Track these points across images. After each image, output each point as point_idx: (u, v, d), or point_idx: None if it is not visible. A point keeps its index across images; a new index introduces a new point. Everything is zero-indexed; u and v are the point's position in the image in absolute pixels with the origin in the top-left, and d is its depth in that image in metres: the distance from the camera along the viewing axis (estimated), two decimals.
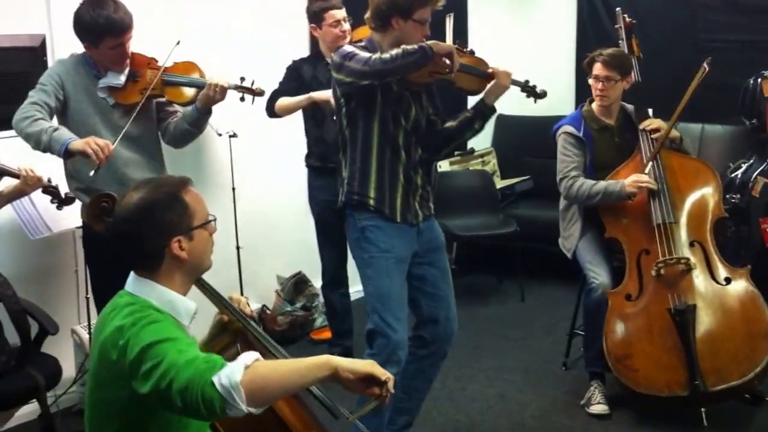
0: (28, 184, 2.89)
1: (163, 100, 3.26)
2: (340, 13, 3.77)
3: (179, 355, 1.67)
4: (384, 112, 2.84)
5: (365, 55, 2.71)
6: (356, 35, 3.72)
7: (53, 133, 2.92)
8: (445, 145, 3.14)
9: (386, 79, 2.76)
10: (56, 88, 3.05)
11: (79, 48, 3.15)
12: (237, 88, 3.20)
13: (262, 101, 3.60)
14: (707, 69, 3.40)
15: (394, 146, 2.88)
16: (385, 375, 1.80)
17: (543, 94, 3.15)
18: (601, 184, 3.55)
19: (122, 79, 3.11)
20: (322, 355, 1.74)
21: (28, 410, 3.40)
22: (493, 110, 3.01)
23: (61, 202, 2.96)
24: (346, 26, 3.78)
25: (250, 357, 1.66)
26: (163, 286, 1.86)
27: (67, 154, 2.91)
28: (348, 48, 2.79)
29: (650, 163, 3.53)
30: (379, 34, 2.86)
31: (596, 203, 3.59)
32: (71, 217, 3.40)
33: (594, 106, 3.74)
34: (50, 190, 2.93)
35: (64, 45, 3.35)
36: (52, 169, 3.13)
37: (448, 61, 2.75)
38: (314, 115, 3.91)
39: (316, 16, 3.80)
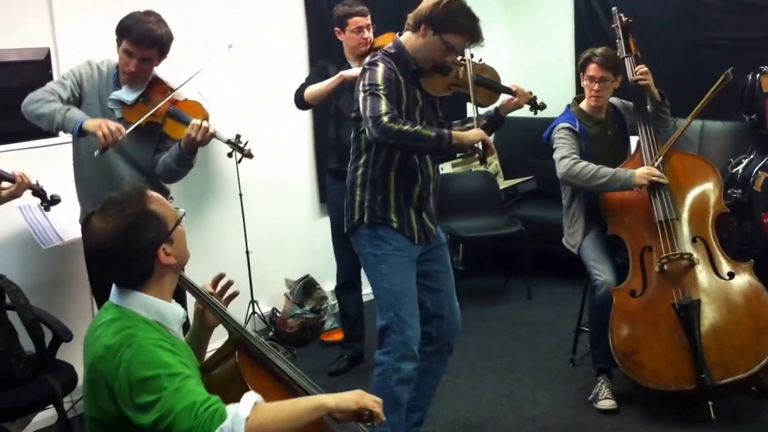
0: (20, 188, 2.95)
1: (164, 132, 3.22)
2: (364, 21, 3.82)
3: (177, 397, 1.70)
4: None
5: (380, 107, 2.65)
6: (378, 42, 3.78)
7: (66, 113, 2.98)
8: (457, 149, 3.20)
9: (383, 147, 2.79)
10: (74, 84, 3.11)
11: (79, 61, 3.21)
12: (225, 141, 3.17)
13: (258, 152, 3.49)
14: (731, 77, 3.47)
15: (413, 169, 2.90)
16: (374, 407, 1.91)
17: (543, 106, 3.32)
18: (609, 169, 3.56)
19: (133, 96, 3.13)
20: (314, 397, 1.90)
21: (46, 416, 3.45)
22: (503, 120, 3.17)
23: (49, 203, 3.01)
24: (368, 34, 3.83)
25: (249, 404, 1.73)
26: (150, 294, 1.86)
27: (81, 133, 2.97)
28: (378, 76, 2.72)
29: (659, 159, 3.58)
30: (408, 34, 2.86)
31: (598, 186, 3.59)
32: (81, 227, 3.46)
33: (584, 105, 3.78)
34: (39, 192, 2.98)
35: (69, 58, 3.40)
36: (63, 176, 3.19)
37: (479, 149, 2.81)
38: (335, 117, 3.96)
39: (340, 21, 3.86)
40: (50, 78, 3.48)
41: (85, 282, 3.66)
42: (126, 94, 3.13)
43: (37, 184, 3.05)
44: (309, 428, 2.08)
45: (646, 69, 3.68)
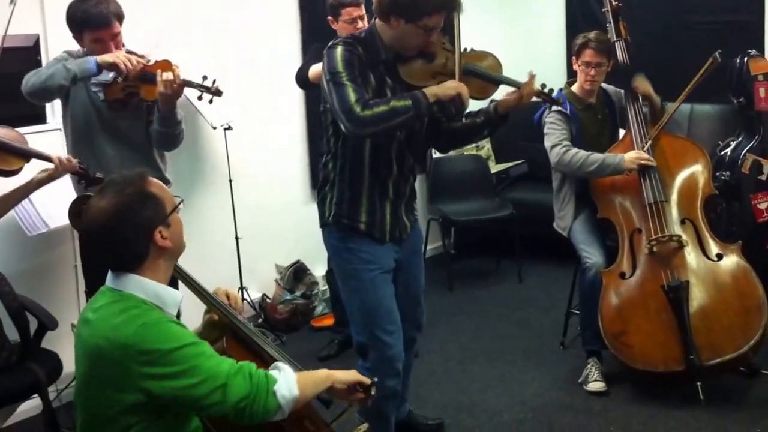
0: (60, 170, 2.93)
1: (148, 101, 3.21)
2: (357, 11, 3.74)
3: (214, 363, 1.78)
4: None
5: (349, 97, 2.44)
6: None
7: (74, 62, 2.98)
8: (451, 146, 3.04)
9: (365, 139, 2.59)
10: None
11: (70, 47, 3.18)
12: (192, 84, 3.06)
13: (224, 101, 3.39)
14: (719, 60, 3.45)
15: (387, 160, 2.70)
16: (369, 381, 2.08)
17: (559, 102, 3.14)
18: (598, 155, 3.56)
19: (110, 75, 3.12)
20: (322, 371, 2.04)
21: (31, 405, 3.42)
22: (506, 119, 2.82)
23: (90, 182, 2.97)
24: (362, 24, 3.74)
25: (292, 372, 1.92)
26: (147, 278, 1.86)
27: (99, 69, 2.99)
28: (338, 61, 2.50)
29: (648, 143, 3.57)
30: (381, 24, 2.60)
31: (589, 174, 3.59)
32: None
33: (575, 88, 3.77)
34: (80, 171, 2.97)
35: (58, 45, 3.37)
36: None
37: (458, 102, 2.55)
38: None
39: (333, 10, 3.79)
40: (39, 65, 3.46)
41: (71, 270, 3.65)
42: (104, 75, 3.11)
43: (80, 163, 2.98)
44: (300, 414, 2.11)
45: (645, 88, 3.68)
